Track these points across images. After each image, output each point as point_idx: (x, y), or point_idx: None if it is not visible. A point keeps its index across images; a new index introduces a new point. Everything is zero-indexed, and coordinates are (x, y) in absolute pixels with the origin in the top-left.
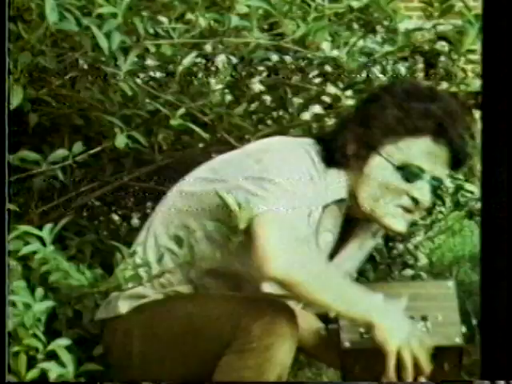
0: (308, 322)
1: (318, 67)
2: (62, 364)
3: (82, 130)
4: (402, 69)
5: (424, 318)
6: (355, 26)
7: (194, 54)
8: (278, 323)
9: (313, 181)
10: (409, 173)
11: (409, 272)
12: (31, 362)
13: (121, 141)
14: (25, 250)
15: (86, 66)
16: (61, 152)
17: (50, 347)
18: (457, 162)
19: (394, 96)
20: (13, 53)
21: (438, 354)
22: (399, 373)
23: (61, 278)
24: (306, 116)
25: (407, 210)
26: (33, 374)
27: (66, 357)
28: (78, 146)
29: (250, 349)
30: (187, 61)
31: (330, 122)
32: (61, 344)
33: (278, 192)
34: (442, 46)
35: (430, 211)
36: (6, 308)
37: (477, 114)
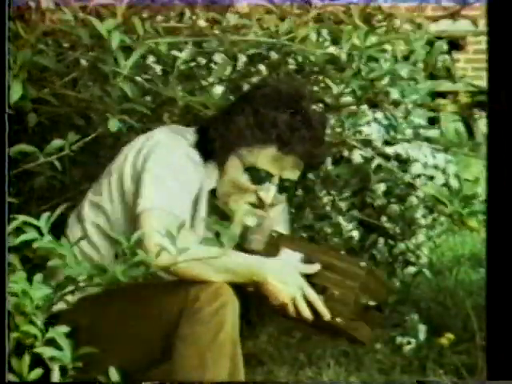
0: None
1: (316, 65)
2: (59, 348)
3: (82, 128)
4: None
5: (323, 290)
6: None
7: (191, 48)
8: (223, 288)
9: (194, 168)
10: (256, 175)
11: (411, 270)
12: (29, 350)
13: (113, 124)
14: (22, 238)
15: (86, 65)
16: (57, 142)
17: (49, 334)
18: (308, 166)
19: (253, 101)
20: (12, 51)
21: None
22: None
23: (60, 266)
24: None
25: (255, 206)
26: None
27: (63, 342)
28: (72, 136)
29: (201, 315)
30: (186, 54)
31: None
32: (59, 331)
33: (159, 185)
34: (442, 45)
35: (431, 210)
36: (6, 308)
37: (477, 113)
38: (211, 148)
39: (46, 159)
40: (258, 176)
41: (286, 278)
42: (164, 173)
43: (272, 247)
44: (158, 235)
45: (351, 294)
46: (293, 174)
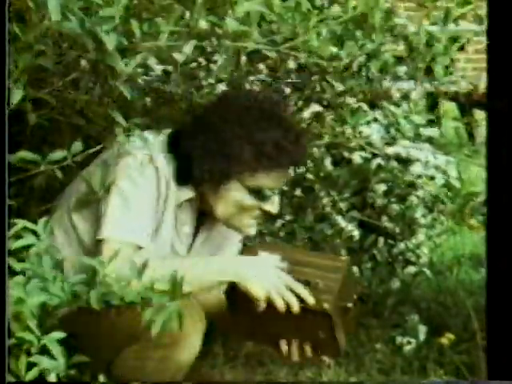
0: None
1: (316, 66)
2: (53, 357)
3: (82, 129)
4: (401, 69)
5: (306, 283)
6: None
7: (193, 42)
8: (186, 324)
9: (165, 183)
10: (261, 194)
11: (411, 269)
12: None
13: (122, 138)
14: (20, 243)
15: (86, 67)
16: (60, 153)
17: (43, 341)
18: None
19: (236, 125)
20: (12, 53)
21: (312, 319)
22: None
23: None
24: (305, 114)
25: (259, 218)
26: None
27: (56, 350)
28: (77, 146)
29: (158, 344)
30: (187, 49)
31: (329, 120)
32: (54, 337)
33: (123, 206)
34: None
35: (431, 209)
36: (6, 308)
37: (476, 112)
38: (197, 177)
39: (47, 167)
40: (263, 194)
41: (262, 272)
42: (127, 186)
43: (249, 254)
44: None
45: (335, 284)
46: (288, 178)
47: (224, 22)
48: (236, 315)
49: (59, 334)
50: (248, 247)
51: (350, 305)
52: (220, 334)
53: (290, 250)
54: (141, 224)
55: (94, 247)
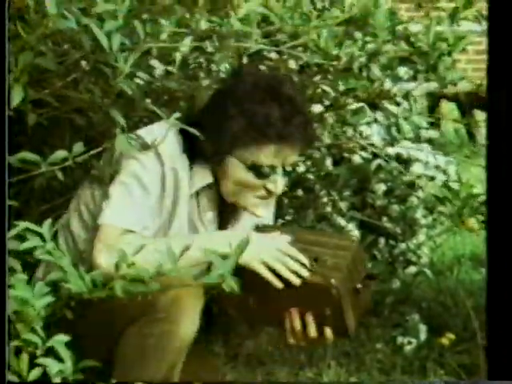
0: None
1: (318, 66)
2: (60, 360)
3: (82, 130)
4: (403, 69)
5: (315, 259)
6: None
7: (190, 38)
8: (184, 297)
9: (173, 175)
10: (261, 171)
11: (412, 269)
12: (31, 359)
13: (121, 142)
14: (25, 245)
15: (86, 67)
16: (61, 153)
17: (49, 343)
18: (305, 147)
19: (236, 98)
20: (13, 52)
21: (318, 295)
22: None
23: (60, 279)
24: None
25: (265, 198)
26: (34, 373)
27: (64, 353)
28: (78, 147)
29: (156, 319)
30: (185, 44)
31: (330, 121)
32: (60, 340)
33: (124, 196)
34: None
35: (432, 210)
36: (6, 309)
37: (477, 113)
38: (202, 153)
39: (48, 169)
40: (262, 171)
41: (255, 246)
42: (129, 179)
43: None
44: (109, 254)
45: (344, 262)
46: (293, 159)
47: (225, 23)
48: (243, 294)
49: (65, 337)
50: (258, 229)
51: (359, 285)
52: (225, 316)
53: (301, 230)
54: (138, 216)
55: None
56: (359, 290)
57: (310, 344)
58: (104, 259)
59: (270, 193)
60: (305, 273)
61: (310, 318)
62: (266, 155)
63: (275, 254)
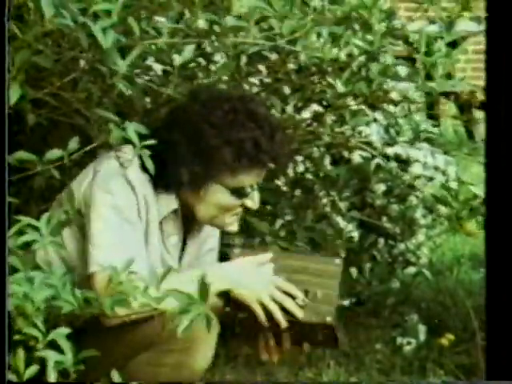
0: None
1: (316, 66)
2: (60, 351)
3: (81, 129)
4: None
5: (306, 292)
6: (354, 26)
7: (193, 46)
8: (200, 329)
9: (136, 199)
10: (242, 193)
11: (411, 270)
12: (30, 352)
13: (115, 135)
14: (23, 239)
15: (85, 67)
16: (56, 152)
17: (51, 336)
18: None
19: (217, 127)
20: (10, 51)
21: (311, 330)
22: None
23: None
24: (306, 115)
25: (239, 214)
26: (31, 371)
27: (65, 345)
28: (73, 143)
29: (171, 349)
30: (187, 52)
31: (329, 120)
32: (61, 333)
33: (107, 232)
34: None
35: (431, 210)
36: (6, 309)
37: (476, 113)
38: (172, 179)
39: (44, 168)
40: (243, 192)
41: (251, 281)
42: (109, 213)
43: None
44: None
45: (333, 292)
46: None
47: (223, 19)
48: (232, 316)
49: (66, 330)
50: (243, 252)
51: (345, 303)
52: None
53: (285, 255)
54: (130, 253)
55: (81, 268)
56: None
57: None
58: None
59: (246, 209)
60: (300, 314)
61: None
62: (251, 177)
63: (271, 291)
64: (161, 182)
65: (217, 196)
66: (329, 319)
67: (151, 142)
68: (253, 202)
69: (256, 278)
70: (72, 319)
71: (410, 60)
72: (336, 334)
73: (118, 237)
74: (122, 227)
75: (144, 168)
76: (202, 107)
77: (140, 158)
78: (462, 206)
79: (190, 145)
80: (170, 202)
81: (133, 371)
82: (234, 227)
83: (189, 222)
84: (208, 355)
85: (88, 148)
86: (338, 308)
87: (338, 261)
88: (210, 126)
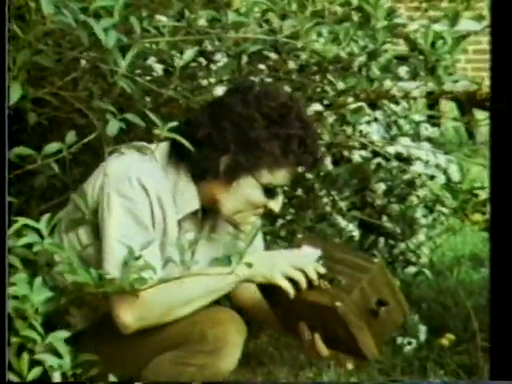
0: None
1: (317, 64)
2: (59, 355)
3: (82, 128)
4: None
5: (331, 280)
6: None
7: (194, 49)
8: (231, 332)
9: (159, 204)
10: (272, 191)
11: (412, 269)
12: (30, 355)
13: (112, 127)
14: (23, 241)
15: (86, 66)
16: (54, 145)
17: (48, 339)
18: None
19: (264, 120)
20: (11, 51)
21: (326, 316)
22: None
23: (66, 272)
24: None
25: (259, 215)
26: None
27: (63, 349)
28: (70, 136)
29: (200, 350)
30: (188, 56)
31: (331, 120)
32: (58, 336)
33: (123, 239)
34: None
35: (432, 209)
36: (6, 309)
37: (477, 112)
38: (212, 170)
39: (43, 162)
40: (273, 191)
41: (268, 263)
42: (123, 216)
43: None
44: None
45: (357, 284)
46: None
47: (223, 17)
48: (273, 307)
49: (64, 333)
50: (294, 240)
51: (375, 307)
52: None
53: (332, 245)
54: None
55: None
56: (377, 311)
57: (322, 359)
58: (132, 316)
59: (268, 211)
60: (309, 294)
61: (317, 336)
62: (285, 177)
63: (284, 269)
64: (194, 169)
65: (248, 190)
66: (338, 303)
67: (174, 123)
68: (277, 204)
69: (271, 260)
70: (94, 305)
71: (411, 58)
72: (352, 332)
73: (129, 239)
74: (135, 230)
75: (170, 158)
76: (255, 98)
77: (170, 146)
78: (465, 198)
79: (237, 133)
80: (192, 202)
81: (155, 369)
82: (247, 227)
83: (207, 219)
84: (236, 357)
85: (86, 140)
86: (364, 310)
87: (375, 260)
88: (263, 117)
